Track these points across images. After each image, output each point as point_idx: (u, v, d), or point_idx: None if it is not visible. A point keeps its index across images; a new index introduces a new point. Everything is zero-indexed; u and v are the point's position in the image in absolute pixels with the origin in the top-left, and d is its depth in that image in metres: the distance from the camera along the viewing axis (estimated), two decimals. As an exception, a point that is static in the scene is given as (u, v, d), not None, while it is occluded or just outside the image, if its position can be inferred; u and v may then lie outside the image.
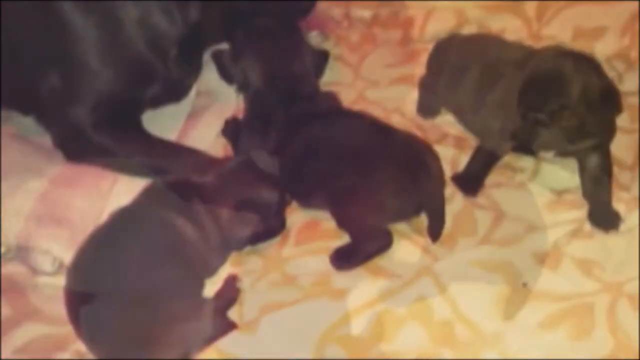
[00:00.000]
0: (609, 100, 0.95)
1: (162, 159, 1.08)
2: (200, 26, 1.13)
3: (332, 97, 1.15)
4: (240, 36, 1.16)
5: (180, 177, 0.98)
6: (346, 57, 1.38)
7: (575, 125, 0.94)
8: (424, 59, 1.31)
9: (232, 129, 1.15)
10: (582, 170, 1.03)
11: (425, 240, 0.99)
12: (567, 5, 1.35)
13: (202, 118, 1.21)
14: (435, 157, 1.00)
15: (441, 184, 0.99)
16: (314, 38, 1.42)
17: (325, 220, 1.02)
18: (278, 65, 1.13)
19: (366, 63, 1.36)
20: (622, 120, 1.11)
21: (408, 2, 1.49)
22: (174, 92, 1.20)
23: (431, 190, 0.97)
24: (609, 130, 1.01)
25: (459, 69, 1.14)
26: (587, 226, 0.97)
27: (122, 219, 0.92)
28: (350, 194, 0.97)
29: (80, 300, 0.84)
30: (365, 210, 0.97)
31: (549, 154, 1.04)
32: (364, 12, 1.51)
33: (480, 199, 1.04)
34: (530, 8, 1.39)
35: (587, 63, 0.97)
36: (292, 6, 1.24)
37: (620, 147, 1.08)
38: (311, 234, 1.01)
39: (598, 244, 0.95)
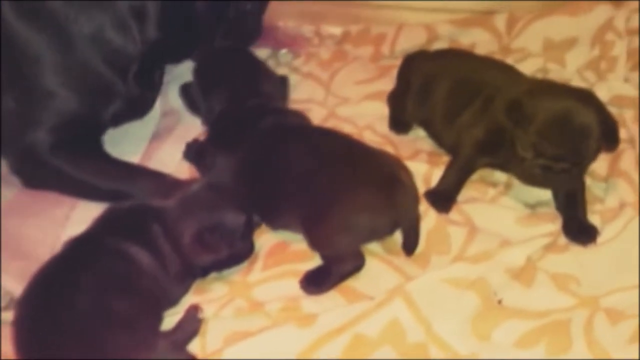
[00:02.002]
0: (611, 137, 0.95)
1: (122, 183, 1.05)
2: (160, 44, 1.10)
3: (300, 115, 1.12)
4: (203, 60, 1.14)
5: (139, 202, 0.95)
6: (317, 74, 1.36)
7: (573, 165, 0.94)
8: (395, 75, 1.31)
9: (195, 151, 1.12)
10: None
11: (398, 259, 0.96)
12: (537, 17, 1.35)
13: (167, 139, 1.18)
14: (408, 174, 0.98)
15: (415, 200, 0.96)
16: (283, 56, 1.41)
17: (295, 241, 0.99)
18: (244, 84, 1.10)
19: (337, 80, 1.35)
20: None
21: (379, 19, 1.49)
22: (136, 109, 1.17)
23: (405, 207, 0.94)
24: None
25: (429, 83, 1.12)
26: (562, 239, 0.95)
27: (75, 249, 0.88)
28: (323, 213, 0.94)
29: (29, 337, 0.80)
30: (339, 230, 0.93)
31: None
32: (334, 29, 1.51)
33: (454, 214, 1.01)
34: (500, 22, 1.39)
35: (592, 105, 0.95)
36: (241, 32, 1.23)
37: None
38: (280, 257, 0.98)
39: (572, 257, 0.93)
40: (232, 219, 0.92)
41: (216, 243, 0.91)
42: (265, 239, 1.00)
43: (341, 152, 0.99)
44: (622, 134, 1.11)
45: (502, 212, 1.00)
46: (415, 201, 0.96)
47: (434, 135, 1.14)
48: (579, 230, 0.96)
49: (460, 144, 1.05)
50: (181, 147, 1.14)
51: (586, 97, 0.96)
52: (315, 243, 0.96)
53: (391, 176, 0.94)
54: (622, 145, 1.08)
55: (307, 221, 0.96)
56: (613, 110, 1.14)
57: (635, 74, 1.20)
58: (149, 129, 1.20)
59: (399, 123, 1.21)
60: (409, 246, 0.95)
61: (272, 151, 1.02)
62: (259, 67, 1.16)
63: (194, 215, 0.91)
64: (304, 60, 1.40)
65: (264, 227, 1.02)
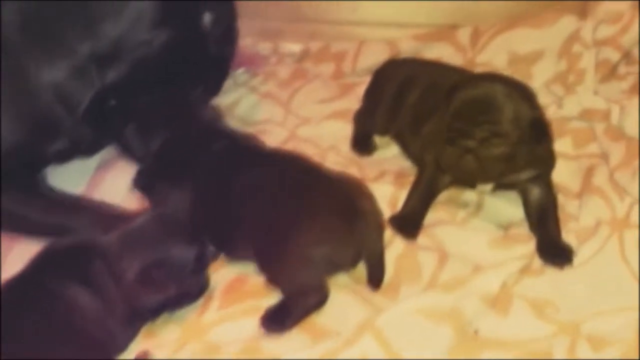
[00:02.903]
0: (538, 130, 0.90)
1: (63, 217, 0.99)
2: (120, 87, 1.05)
3: (253, 138, 1.06)
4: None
5: (80, 237, 0.87)
6: (276, 93, 1.31)
7: (505, 153, 0.89)
8: (358, 93, 1.26)
9: (145, 179, 1.03)
10: (526, 203, 0.97)
11: (366, 289, 0.89)
12: (501, 30, 1.32)
13: (114, 167, 1.11)
14: (371, 200, 0.91)
15: (379, 228, 0.90)
16: (240, 75, 1.35)
17: (254, 275, 0.92)
18: (188, 114, 1.04)
19: (297, 99, 1.29)
20: (564, 146, 1.07)
21: (339, 36, 1.45)
22: (82, 149, 1.12)
23: (368, 236, 0.87)
24: (547, 161, 0.96)
25: (402, 90, 1.08)
26: (537, 262, 0.90)
27: (10, 292, 0.80)
28: (278, 245, 0.87)
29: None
30: (297, 263, 0.86)
31: (489, 187, 0.98)
32: (293, 47, 1.45)
33: (423, 239, 0.95)
34: (464, 36, 1.36)
35: (519, 90, 0.92)
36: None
37: (564, 174, 1.02)
38: (238, 294, 0.90)
39: (549, 281, 0.88)
40: (181, 253, 0.85)
41: (163, 280, 0.83)
42: (222, 273, 0.93)
43: (298, 177, 0.92)
44: (594, 148, 1.08)
45: (474, 235, 0.94)
46: (379, 230, 0.89)
47: (403, 148, 1.10)
48: (554, 251, 0.91)
49: (422, 161, 1.00)
50: (129, 177, 1.05)
51: (513, 85, 0.92)
52: (271, 277, 0.89)
53: (352, 203, 0.88)
54: (594, 161, 1.04)
55: (261, 253, 0.89)
56: (583, 124, 1.12)
57: (605, 86, 1.17)
58: (95, 158, 1.13)
59: (363, 143, 1.15)
60: (374, 280, 0.88)
61: (225, 177, 0.95)
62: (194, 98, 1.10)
63: (138, 250, 0.84)
64: (262, 79, 1.34)
65: (221, 260, 0.94)
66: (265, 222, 0.89)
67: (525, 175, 0.94)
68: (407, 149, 1.09)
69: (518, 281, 0.87)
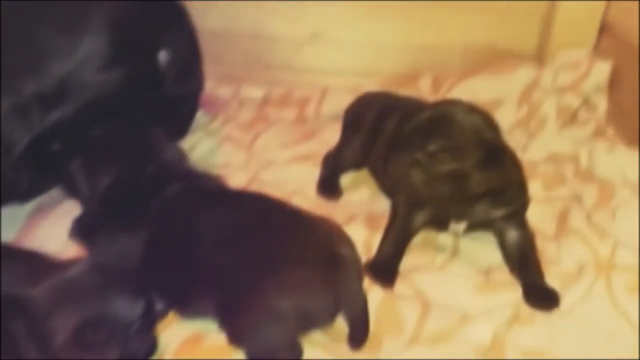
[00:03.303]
0: (492, 154, 0.86)
1: None
2: (65, 128, 0.96)
3: (215, 179, 0.96)
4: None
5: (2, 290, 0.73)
6: (236, 136, 1.25)
7: (454, 172, 0.84)
8: (323, 137, 1.23)
9: (84, 227, 0.92)
10: (503, 245, 0.93)
11: (346, 348, 0.80)
12: (462, 78, 1.33)
13: (50, 213, 0.99)
14: (352, 246, 0.82)
15: (360, 278, 0.81)
16: (199, 117, 1.28)
17: (214, 332, 0.80)
18: (137, 153, 0.94)
19: (260, 143, 1.24)
20: (534, 189, 1.05)
21: (301, 83, 1.42)
22: (17, 193, 1.00)
23: (349, 287, 0.78)
24: (517, 197, 0.92)
25: (378, 121, 1.05)
26: (525, 309, 0.84)
27: None
28: (245, 296, 0.76)
29: None
30: (265, 318, 0.75)
31: (462, 227, 0.93)
32: (254, 92, 1.41)
33: (402, 286, 0.89)
34: (426, 83, 1.36)
35: (481, 115, 0.89)
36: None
37: (538, 217, 0.99)
38: (194, 355, 0.79)
39: (541, 328, 0.82)
40: (124, 309, 0.72)
41: (103, 341, 0.70)
42: (175, 331, 0.81)
43: (267, 220, 0.82)
44: (564, 191, 1.07)
45: (456, 281, 0.88)
46: (360, 280, 0.80)
47: (378, 180, 1.05)
48: (541, 295, 0.86)
49: (393, 201, 0.95)
50: (67, 224, 0.93)
51: (476, 110, 0.89)
52: (233, 335, 0.77)
53: (330, 249, 0.78)
54: (567, 203, 1.03)
55: (222, 307, 0.77)
56: (551, 167, 1.12)
57: (569, 131, 1.18)
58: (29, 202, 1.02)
59: (331, 186, 1.10)
60: (356, 338, 0.78)
61: (181, 222, 0.84)
62: (153, 136, 0.99)
63: (71, 306, 0.70)
64: (222, 122, 1.28)
65: (172, 316, 0.83)
66: (228, 271, 0.78)
67: (497, 212, 0.90)
68: (382, 183, 1.04)
69: (509, 330, 0.81)
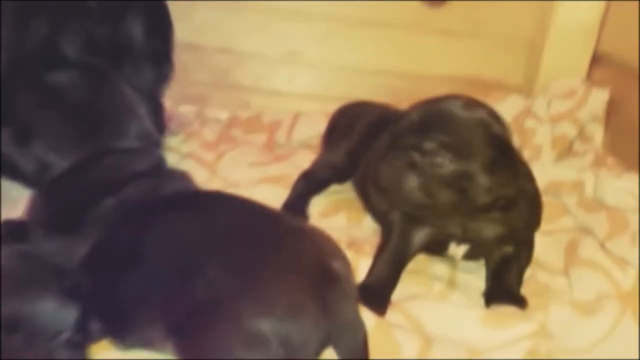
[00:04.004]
0: (503, 152, 0.71)
1: None
2: None
3: (183, 177, 0.80)
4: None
5: None
6: (199, 155, 1.11)
7: (456, 174, 0.69)
8: (294, 160, 1.10)
9: (14, 234, 0.74)
10: (487, 261, 0.82)
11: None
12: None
13: None
14: (346, 261, 0.66)
15: (355, 298, 0.65)
16: (158, 133, 1.13)
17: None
18: (97, 124, 0.78)
19: (225, 162, 1.10)
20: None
21: (270, 107, 1.31)
22: None
23: (342, 309, 0.62)
24: (528, 217, 0.80)
25: (370, 132, 0.95)
26: (542, 342, 0.70)
27: None
28: (212, 317, 0.59)
29: None
30: (237, 344, 0.58)
31: (461, 251, 0.81)
32: (220, 113, 1.30)
33: (395, 316, 0.73)
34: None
35: (484, 108, 0.75)
36: None
37: (544, 251, 0.88)
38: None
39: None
40: (49, 312, 0.56)
41: (19, 347, 0.53)
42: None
43: (241, 225, 0.66)
44: (568, 222, 0.96)
45: (459, 312, 0.73)
46: (355, 300, 0.64)
47: (365, 199, 0.92)
48: (505, 295, 0.76)
49: (386, 220, 0.81)
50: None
51: (478, 103, 0.75)
52: None
53: (322, 264, 0.62)
54: (574, 235, 0.91)
55: (182, 330, 0.60)
56: (551, 198, 1.01)
57: (566, 162, 1.08)
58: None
59: (298, 207, 0.96)
60: None
61: (137, 227, 0.69)
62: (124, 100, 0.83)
63: None
64: (184, 138, 1.14)
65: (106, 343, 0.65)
66: (188, 291, 0.61)
67: (503, 232, 0.77)
68: (369, 202, 0.91)
69: (528, 366, 0.67)
